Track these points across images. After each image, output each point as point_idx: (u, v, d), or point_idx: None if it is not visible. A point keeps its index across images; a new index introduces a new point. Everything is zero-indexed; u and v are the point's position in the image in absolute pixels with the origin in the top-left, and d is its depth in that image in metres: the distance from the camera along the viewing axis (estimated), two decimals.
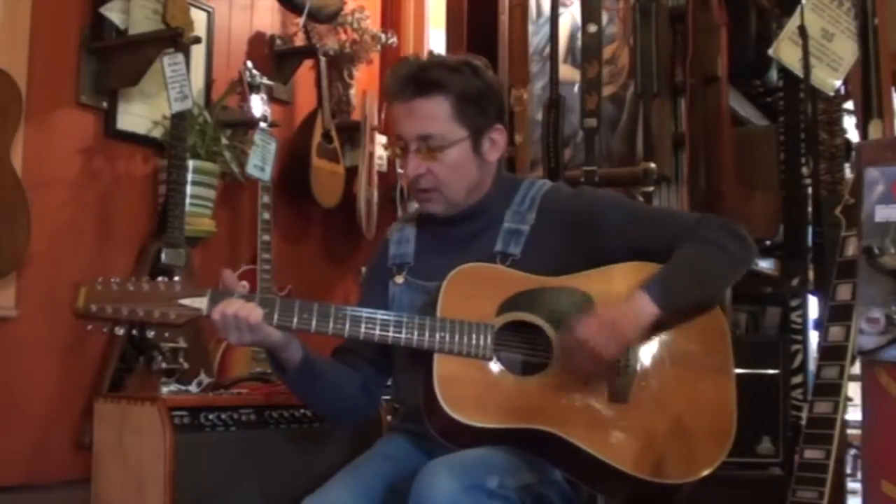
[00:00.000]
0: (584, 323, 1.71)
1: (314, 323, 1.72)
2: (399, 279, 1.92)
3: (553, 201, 1.92)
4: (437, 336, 1.72)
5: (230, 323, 1.68)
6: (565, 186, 2.04)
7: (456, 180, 1.88)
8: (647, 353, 1.79)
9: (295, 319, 1.71)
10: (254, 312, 1.69)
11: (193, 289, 1.71)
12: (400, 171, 4.03)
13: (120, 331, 1.73)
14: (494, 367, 1.74)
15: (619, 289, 1.82)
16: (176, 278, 1.74)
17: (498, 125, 1.92)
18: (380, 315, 1.74)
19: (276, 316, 1.71)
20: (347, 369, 1.91)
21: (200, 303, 1.70)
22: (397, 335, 1.72)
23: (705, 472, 1.75)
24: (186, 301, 1.69)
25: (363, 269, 3.75)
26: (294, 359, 1.79)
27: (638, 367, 1.78)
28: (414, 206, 4.03)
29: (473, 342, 1.73)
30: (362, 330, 1.73)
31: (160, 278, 1.72)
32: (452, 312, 1.74)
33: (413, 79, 1.84)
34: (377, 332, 1.73)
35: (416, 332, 1.72)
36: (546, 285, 1.81)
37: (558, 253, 1.85)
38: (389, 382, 2.10)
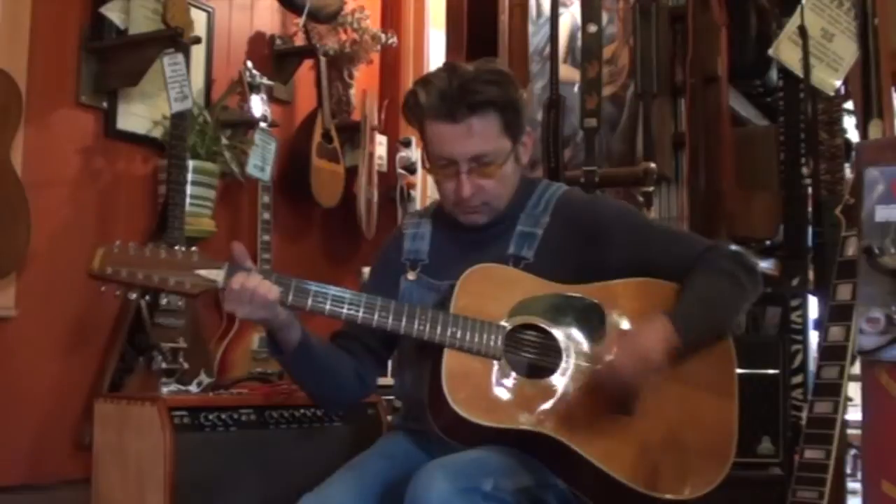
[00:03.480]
0: (619, 354, 1.71)
1: (328, 306, 1.72)
2: (411, 275, 1.92)
3: (567, 206, 1.93)
4: (449, 331, 1.72)
5: (246, 296, 1.68)
6: (580, 192, 2.05)
7: (503, 192, 1.90)
8: None
9: (309, 301, 1.72)
10: (272, 290, 1.69)
11: (210, 260, 1.71)
12: (400, 171, 4.07)
13: (132, 295, 1.72)
14: (502, 367, 1.74)
15: (629, 302, 1.83)
16: (193, 248, 1.74)
17: (528, 128, 1.94)
18: (394, 304, 1.75)
19: (290, 296, 1.71)
20: (344, 354, 1.91)
21: (217, 275, 1.70)
22: (410, 325, 1.73)
23: (701, 493, 1.75)
24: (203, 272, 1.69)
25: (364, 270, 3.77)
26: (293, 340, 1.79)
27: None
28: (414, 206, 4.06)
29: (484, 341, 1.73)
30: (375, 317, 1.73)
31: (177, 247, 1.72)
32: (465, 310, 1.75)
33: (463, 98, 1.80)
34: (390, 320, 1.73)
35: (427, 325, 1.72)
36: (558, 292, 1.81)
37: (569, 258, 1.86)
38: (392, 382, 2.10)
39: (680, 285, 1.85)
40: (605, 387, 1.73)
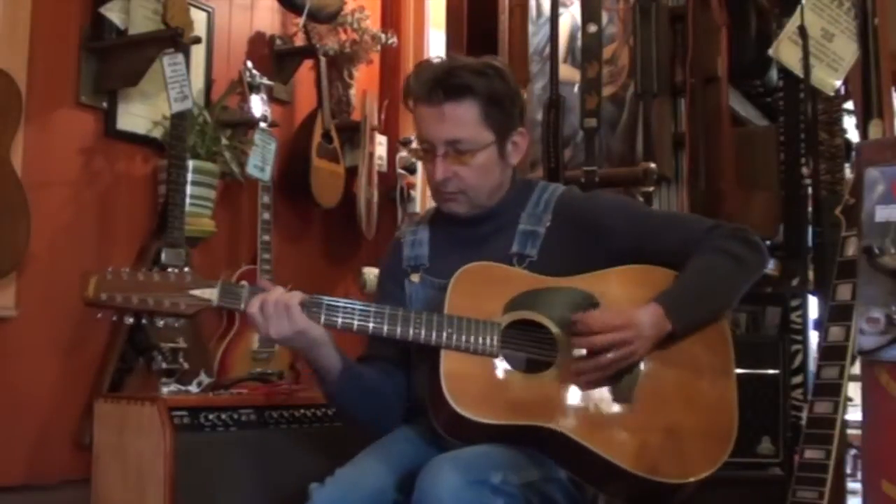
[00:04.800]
0: (589, 313, 1.74)
1: (323, 316, 1.73)
2: (415, 277, 1.94)
3: (567, 204, 1.94)
4: (445, 332, 1.73)
5: (270, 311, 1.68)
6: (578, 190, 2.07)
7: (482, 183, 1.89)
8: (652, 354, 1.79)
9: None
10: (293, 297, 1.70)
11: (203, 279, 1.73)
12: (400, 171, 4.08)
13: (129, 319, 1.75)
14: (500, 364, 1.75)
15: (624, 291, 1.84)
16: (186, 269, 1.75)
17: (520, 128, 1.94)
18: (388, 311, 1.75)
19: None
20: (378, 372, 1.90)
21: (210, 293, 1.72)
22: (405, 330, 1.74)
23: (706, 473, 1.76)
24: (196, 291, 1.71)
25: (364, 270, 3.77)
26: (334, 366, 1.79)
27: (642, 367, 1.79)
28: (415, 206, 4.06)
29: (480, 339, 1.74)
30: (371, 324, 1.74)
31: (170, 268, 1.74)
32: (459, 310, 1.76)
33: (442, 82, 1.83)
34: (385, 326, 1.74)
35: (423, 329, 1.74)
36: (551, 285, 1.83)
37: (573, 255, 1.87)
38: None
39: (679, 270, 1.85)
40: (579, 362, 1.73)
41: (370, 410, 1.90)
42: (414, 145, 3.99)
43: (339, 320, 1.74)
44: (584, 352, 1.75)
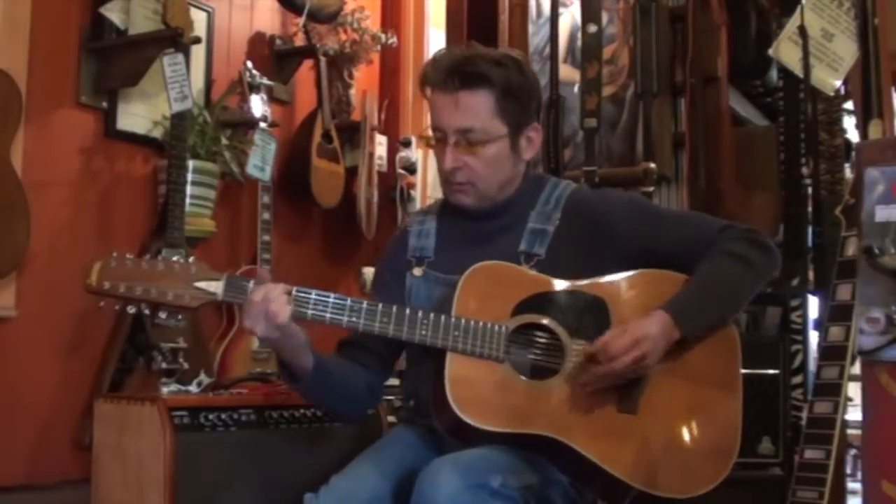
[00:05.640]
0: (608, 340, 1.71)
1: (329, 314, 1.70)
2: (417, 271, 1.91)
3: (577, 202, 1.91)
4: (451, 335, 1.71)
5: (259, 312, 1.64)
6: (588, 189, 2.05)
7: (491, 176, 1.86)
8: (660, 365, 1.78)
9: (310, 310, 1.70)
10: (283, 311, 1.65)
11: (209, 271, 1.68)
12: (400, 171, 4.07)
13: (132, 309, 1.70)
14: (506, 369, 1.73)
15: (634, 296, 1.82)
16: (191, 259, 1.70)
17: (535, 123, 1.91)
18: (395, 310, 1.72)
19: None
20: (353, 366, 1.89)
21: (216, 287, 1.67)
22: (412, 331, 1.72)
23: (706, 490, 1.75)
24: (202, 284, 1.66)
25: (364, 270, 3.77)
26: (307, 365, 1.77)
27: (650, 378, 1.78)
28: (414, 206, 4.06)
29: (487, 343, 1.72)
30: (377, 325, 1.71)
31: (175, 257, 1.69)
32: (468, 311, 1.74)
33: (458, 70, 1.81)
34: (391, 327, 1.72)
35: (430, 330, 1.71)
36: (561, 289, 1.80)
37: (582, 254, 1.85)
38: (394, 382, 2.09)
39: (689, 273, 1.83)
40: (587, 369, 1.72)
41: (332, 404, 1.94)
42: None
43: (345, 319, 1.71)
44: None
